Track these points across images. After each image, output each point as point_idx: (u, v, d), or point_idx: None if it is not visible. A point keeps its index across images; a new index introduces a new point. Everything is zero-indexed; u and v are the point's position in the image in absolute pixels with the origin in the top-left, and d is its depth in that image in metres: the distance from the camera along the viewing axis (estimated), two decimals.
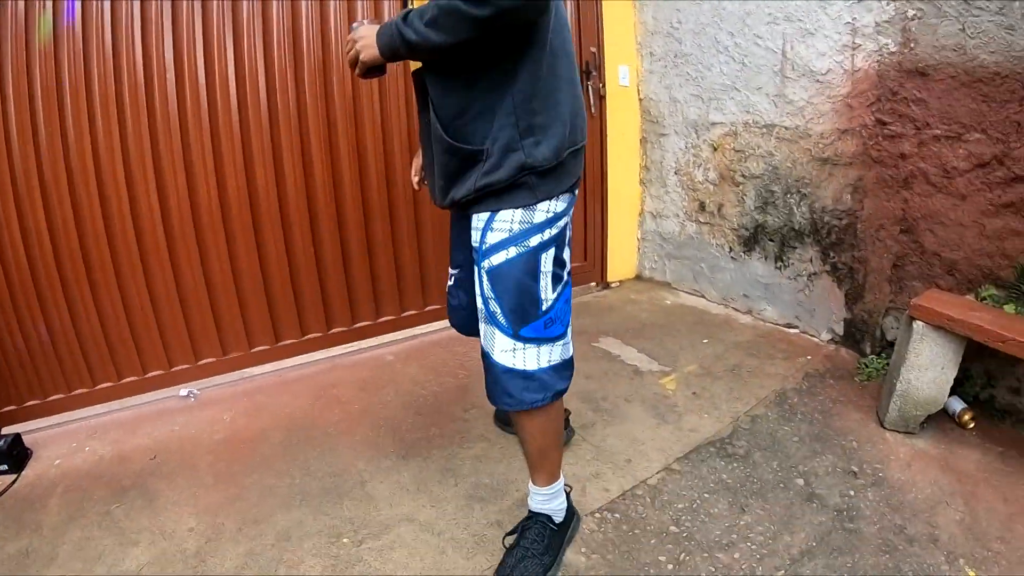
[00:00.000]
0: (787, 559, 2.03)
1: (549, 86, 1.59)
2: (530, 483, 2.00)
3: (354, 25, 1.63)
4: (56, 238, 2.95)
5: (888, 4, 2.70)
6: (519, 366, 1.72)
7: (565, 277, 1.75)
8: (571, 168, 1.68)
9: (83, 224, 2.96)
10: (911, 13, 2.63)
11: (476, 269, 1.73)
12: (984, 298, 2.48)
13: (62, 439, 3.12)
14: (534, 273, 1.67)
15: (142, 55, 2.86)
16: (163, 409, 3.30)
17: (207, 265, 3.26)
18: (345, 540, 2.27)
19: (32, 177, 2.80)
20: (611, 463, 2.55)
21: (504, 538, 2.04)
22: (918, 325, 2.40)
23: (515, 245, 1.65)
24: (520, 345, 1.70)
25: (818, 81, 3.04)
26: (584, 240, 4.31)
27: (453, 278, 2.12)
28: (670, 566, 2.04)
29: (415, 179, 2.18)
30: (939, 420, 2.59)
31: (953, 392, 2.56)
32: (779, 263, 3.45)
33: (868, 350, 3.08)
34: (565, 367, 1.81)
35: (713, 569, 2.01)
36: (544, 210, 1.64)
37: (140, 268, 3.13)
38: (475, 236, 1.70)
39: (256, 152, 3.18)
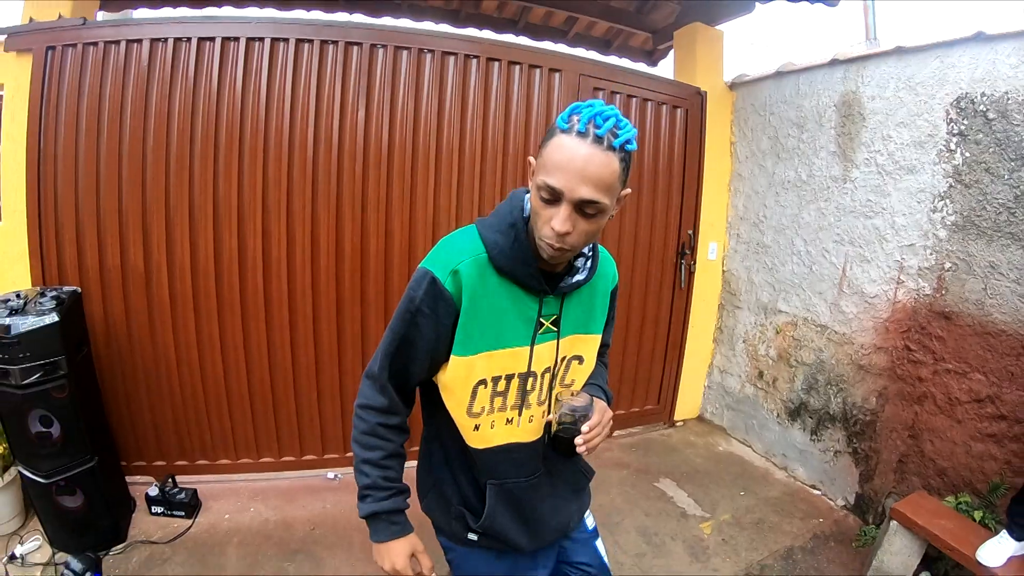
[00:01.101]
0: None
1: None
2: None
3: (573, 403, 1.64)
4: (248, 333, 3.87)
5: (931, 254, 3.34)
6: None
7: None
8: None
9: (271, 322, 3.87)
10: (948, 265, 3.27)
11: (599, 540, 2.08)
12: (960, 503, 3.10)
13: (228, 496, 3.95)
14: None
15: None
16: (313, 486, 4.04)
17: (365, 365, 4.00)
18: None
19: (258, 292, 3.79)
20: None
21: None
22: (894, 523, 3.07)
23: None
24: None
25: (866, 302, 3.70)
26: (660, 385, 5.00)
27: None
28: None
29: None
30: None
31: (928, 567, 3.16)
32: (814, 436, 4.07)
33: (870, 520, 3.66)
34: None
35: None
36: None
37: (313, 364, 3.96)
38: (592, 522, 2.07)
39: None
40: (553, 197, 1.41)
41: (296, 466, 4.16)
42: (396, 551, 1.80)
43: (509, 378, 1.67)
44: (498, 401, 1.69)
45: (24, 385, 3.04)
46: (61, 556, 3.27)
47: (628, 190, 1.51)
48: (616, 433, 4.93)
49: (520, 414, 1.71)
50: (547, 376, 1.72)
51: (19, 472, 3.34)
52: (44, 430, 3.16)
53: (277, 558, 3.42)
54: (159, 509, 3.73)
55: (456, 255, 1.58)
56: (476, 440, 1.72)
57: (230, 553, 3.46)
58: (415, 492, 1.93)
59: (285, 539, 3.54)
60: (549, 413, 1.74)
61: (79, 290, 3.48)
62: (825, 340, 3.99)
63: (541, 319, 1.66)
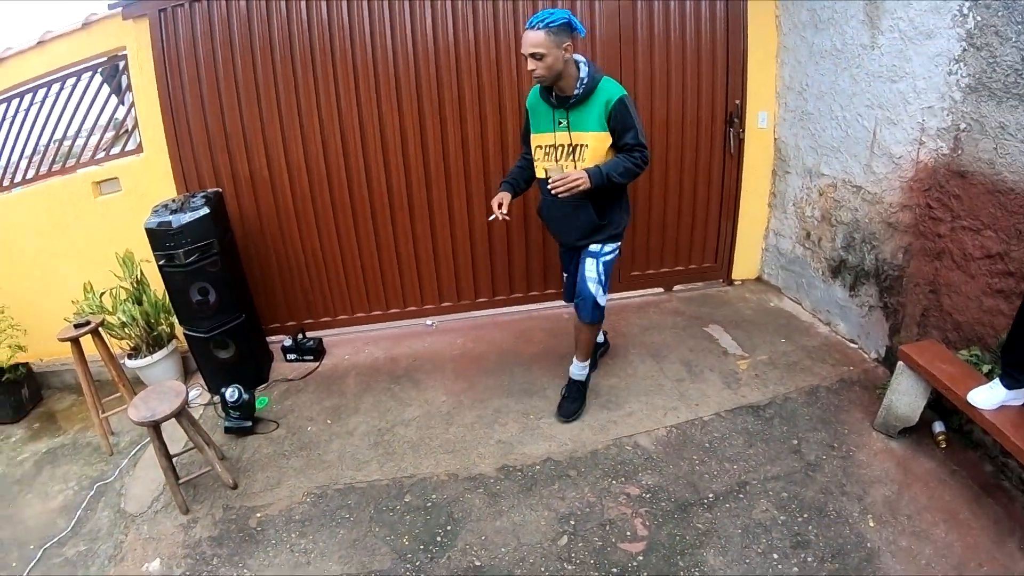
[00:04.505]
0: (763, 476, 3.09)
1: (627, 197, 3.36)
2: (575, 360, 3.65)
3: (555, 169, 3.06)
4: (356, 210, 4.46)
5: (948, 115, 3.16)
6: (603, 303, 3.39)
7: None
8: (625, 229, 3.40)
9: (374, 199, 4.45)
10: (963, 126, 3.09)
11: (590, 259, 3.31)
12: (972, 355, 3.05)
13: (346, 344, 4.68)
14: (612, 265, 3.39)
15: None
16: (415, 332, 4.68)
17: (454, 232, 4.59)
18: (531, 416, 3.68)
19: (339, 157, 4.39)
20: (685, 403, 3.66)
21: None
22: (900, 364, 3.10)
23: (612, 254, 3.36)
24: (603, 293, 3.37)
25: (894, 162, 3.55)
26: (716, 245, 5.02)
27: (566, 277, 3.70)
28: (698, 465, 3.17)
29: (502, 213, 3.30)
30: (922, 435, 3.20)
31: (943, 418, 3.19)
32: (852, 292, 4.03)
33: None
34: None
35: (719, 470, 3.12)
36: (619, 243, 3.38)
37: (410, 232, 4.53)
38: (595, 247, 3.29)
39: (491, 147, 4.43)
40: (525, 58, 2.87)
41: (400, 316, 4.83)
42: (497, 195, 3.32)
43: (546, 146, 3.17)
44: (545, 156, 3.19)
45: (186, 264, 3.82)
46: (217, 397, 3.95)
47: (568, 43, 2.87)
48: (676, 288, 5.17)
49: (552, 164, 3.13)
50: (564, 148, 3.10)
51: (184, 333, 4.09)
52: (202, 298, 3.93)
53: (386, 381, 4.13)
54: (292, 356, 4.57)
55: (533, 91, 3.24)
56: (537, 171, 3.29)
57: (349, 381, 4.19)
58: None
59: (392, 369, 4.23)
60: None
61: (220, 190, 4.22)
62: (860, 200, 3.88)
63: (559, 120, 3.07)
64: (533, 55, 2.84)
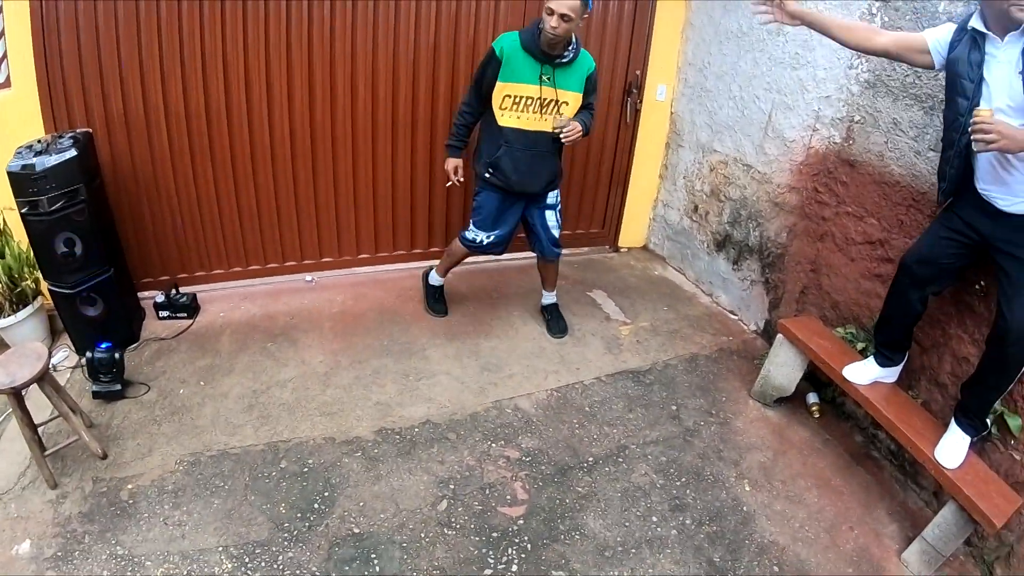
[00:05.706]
0: (642, 440, 3.13)
1: None
2: (547, 292, 4.00)
3: (562, 121, 3.28)
4: (235, 158, 3.99)
5: (843, 106, 3.26)
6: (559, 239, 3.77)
7: None
8: None
9: (256, 148, 3.99)
10: (857, 118, 3.19)
11: (550, 212, 3.64)
12: (847, 333, 3.20)
13: (222, 300, 4.23)
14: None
15: None
16: (294, 288, 4.32)
17: (337, 186, 4.25)
18: (410, 377, 3.49)
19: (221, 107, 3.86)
20: (567, 367, 3.64)
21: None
22: (780, 336, 3.22)
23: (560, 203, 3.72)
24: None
25: (786, 145, 3.64)
26: (605, 211, 5.01)
27: (494, 236, 3.64)
28: (578, 429, 3.15)
29: (458, 179, 3.63)
30: (797, 405, 3.35)
31: (817, 390, 3.34)
32: (735, 266, 4.15)
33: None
34: None
35: (599, 434, 3.13)
36: None
37: (292, 184, 4.14)
38: (552, 200, 3.62)
39: (382, 102, 4.11)
40: (550, 12, 2.99)
41: (279, 271, 4.44)
42: (449, 162, 3.60)
43: (525, 98, 3.29)
44: (514, 106, 3.30)
45: (51, 212, 3.35)
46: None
47: (586, 15, 3.10)
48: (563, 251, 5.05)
49: (527, 115, 3.32)
50: (541, 101, 3.29)
51: (49, 289, 3.60)
52: (68, 250, 3.47)
53: (262, 340, 3.81)
54: (165, 313, 4.08)
55: (504, 39, 3.25)
56: (503, 120, 3.34)
57: (224, 340, 3.83)
58: (471, 161, 3.68)
59: (269, 327, 3.90)
60: (545, 123, 3.33)
61: (90, 131, 3.69)
62: (749, 178, 3.98)
63: (543, 76, 3.24)
64: (564, 16, 3.01)
